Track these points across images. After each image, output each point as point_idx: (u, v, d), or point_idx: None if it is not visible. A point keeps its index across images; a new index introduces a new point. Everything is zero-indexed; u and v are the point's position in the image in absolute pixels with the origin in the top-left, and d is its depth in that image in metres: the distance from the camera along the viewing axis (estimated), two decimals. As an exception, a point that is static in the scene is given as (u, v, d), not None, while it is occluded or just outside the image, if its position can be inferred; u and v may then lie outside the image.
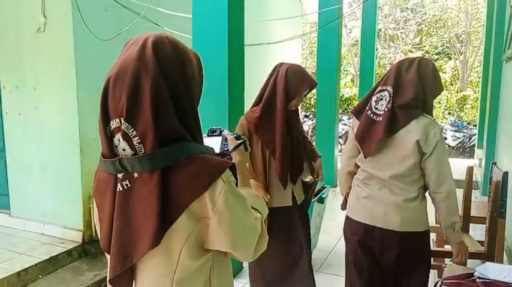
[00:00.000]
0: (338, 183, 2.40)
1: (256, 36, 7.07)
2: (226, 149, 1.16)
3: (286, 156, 2.32)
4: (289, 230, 2.45)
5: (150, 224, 0.88)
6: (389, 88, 1.97)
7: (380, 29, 16.53)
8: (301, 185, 2.52)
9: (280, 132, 2.28)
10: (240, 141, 1.20)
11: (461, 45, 17.26)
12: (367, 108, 2.05)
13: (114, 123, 0.89)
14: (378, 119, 1.98)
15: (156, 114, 0.86)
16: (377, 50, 12.29)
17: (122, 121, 0.87)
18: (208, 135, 1.18)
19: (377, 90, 2.04)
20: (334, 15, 5.82)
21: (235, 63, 2.75)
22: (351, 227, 2.14)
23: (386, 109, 1.95)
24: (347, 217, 2.19)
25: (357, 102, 2.35)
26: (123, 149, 0.89)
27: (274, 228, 2.29)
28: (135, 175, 0.89)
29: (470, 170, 2.80)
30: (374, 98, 2.03)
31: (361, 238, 2.08)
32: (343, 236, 2.25)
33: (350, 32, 17.46)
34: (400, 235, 1.97)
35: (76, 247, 4.11)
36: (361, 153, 2.06)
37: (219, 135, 1.19)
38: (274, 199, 2.38)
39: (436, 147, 1.89)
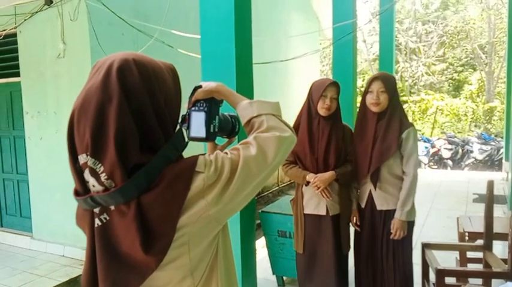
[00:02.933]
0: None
1: (273, 52, 7.11)
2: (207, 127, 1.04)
3: (308, 158, 2.50)
4: (318, 239, 2.55)
5: (140, 259, 0.85)
6: None
7: (400, 43, 16.38)
8: (336, 197, 2.54)
9: (301, 136, 2.46)
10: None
11: (486, 56, 16.89)
12: None
13: (81, 159, 0.86)
14: None
15: (122, 149, 0.82)
16: (398, 63, 12.17)
17: (88, 157, 0.84)
18: (193, 108, 1.06)
19: None
20: (348, 30, 5.80)
21: (244, 82, 2.76)
22: None
23: None
24: None
25: None
26: (93, 185, 0.86)
27: (305, 234, 2.55)
28: (112, 207, 0.86)
29: (490, 184, 2.68)
30: None
31: None
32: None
33: (371, 47, 17.35)
34: None
35: (95, 269, 4.13)
36: None
37: (202, 110, 1.05)
38: (308, 205, 2.55)
39: None
